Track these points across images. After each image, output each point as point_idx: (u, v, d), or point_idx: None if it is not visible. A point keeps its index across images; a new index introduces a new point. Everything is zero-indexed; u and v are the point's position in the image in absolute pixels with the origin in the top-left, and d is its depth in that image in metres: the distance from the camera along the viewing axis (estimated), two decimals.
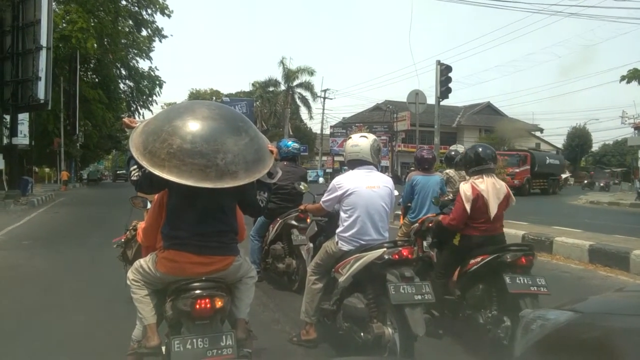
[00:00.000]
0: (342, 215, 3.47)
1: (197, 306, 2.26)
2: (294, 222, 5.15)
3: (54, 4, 24.30)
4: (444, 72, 12.31)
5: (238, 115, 2.56)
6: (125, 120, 2.63)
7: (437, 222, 4.23)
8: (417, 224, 5.21)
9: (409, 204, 5.80)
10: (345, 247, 3.41)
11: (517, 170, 24.19)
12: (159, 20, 50.87)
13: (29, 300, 4.91)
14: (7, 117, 18.34)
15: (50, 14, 16.81)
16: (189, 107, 2.49)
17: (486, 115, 54.81)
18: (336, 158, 52.54)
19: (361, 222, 3.38)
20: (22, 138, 22.55)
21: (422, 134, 46.64)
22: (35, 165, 35.45)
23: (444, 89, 12.34)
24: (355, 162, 3.56)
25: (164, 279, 2.43)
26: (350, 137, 3.70)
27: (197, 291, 2.28)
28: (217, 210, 2.42)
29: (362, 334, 3.20)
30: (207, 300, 2.27)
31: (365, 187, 3.43)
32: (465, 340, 3.75)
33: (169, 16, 34.67)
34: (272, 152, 2.50)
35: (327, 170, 49.51)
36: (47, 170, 38.41)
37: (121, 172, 51.91)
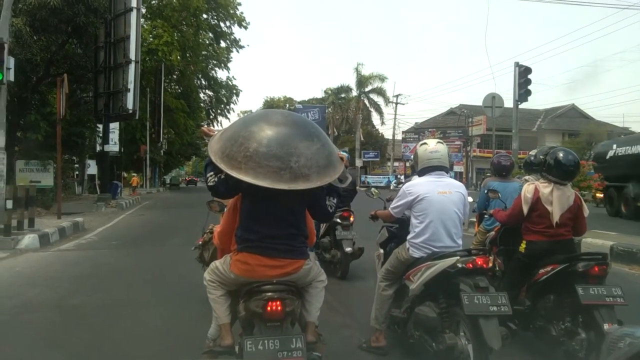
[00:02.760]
0: (414, 221, 3.41)
1: (269, 308, 2.33)
2: (338, 220, 6.10)
3: (142, 20, 26.18)
4: (523, 74, 11.72)
5: (310, 122, 2.66)
6: (204, 129, 2.77)
7: (503, 227, 4.14)
8: (493, 232, 5.11)
9: (484, 212, 5.52)
10: (417, 254, 3.35)
11: None
12: (236, 31, 53.12)
13: (116, 296, 5.30)
14: (100, 127, 19.87)
15: (139, 29, 18.05)
16: (263, 115, 2.64)
17: (570, 118, 51.66)
18: (408, 164, 51.75)
19: (433, 228, 3.31)
20: (113, 145, 24.39)
21: (499, 139, 44.84)
22: (124, 171, 38.07)
23: (523, 92, 11.73)
24: (431, 168, 3.49)
25: (237, 281, 2.51)
26: (426, 143, 3.64)
27: (269, 293, 2.36)
28: (288, 214, 2.49)
29: (433, 344, 3.12)
30: (278, 303, 2.34)
31: (437, 193, 3.37)
32: (538, 352, 3.62)
33: (245, 28, 36.07)
34: (342, 159, 2.58)
35: (399, 176, 48.90)
36: (134, 175, 41.09)
37: (191, 178, 64.73)
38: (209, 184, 2.54)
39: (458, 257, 3.09)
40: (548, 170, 3.68)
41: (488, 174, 6.22)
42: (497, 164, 5.67)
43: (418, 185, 3.44)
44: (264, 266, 2.42)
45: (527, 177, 5.75)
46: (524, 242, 3.71)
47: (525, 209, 3.63)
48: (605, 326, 3.02)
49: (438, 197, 3.36)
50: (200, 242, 4.48)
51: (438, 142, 3.62)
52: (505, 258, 4.15)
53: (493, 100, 12.28)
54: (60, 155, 13.42)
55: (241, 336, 2.48)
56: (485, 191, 5.37)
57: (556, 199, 3.55)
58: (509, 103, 13.50)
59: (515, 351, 3.57)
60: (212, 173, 2.51)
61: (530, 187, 3.70)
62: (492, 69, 57.98)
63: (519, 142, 12.87)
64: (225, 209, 2.84)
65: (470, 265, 3.07)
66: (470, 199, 5.82)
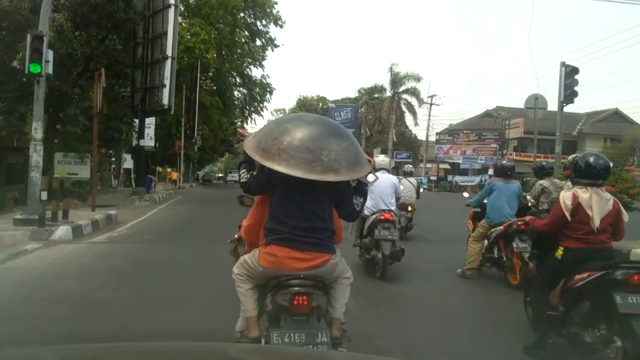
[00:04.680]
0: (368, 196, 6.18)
1: (295, 302, 2.42)
2: None
3: (180, 18, 26.46)
4: (570, 75, 11.08)
5: (339, 124, 2.88)
6: (239, 130, 3.22)
7: (536, 231, 4.28)
8: (501, 227, 6.03)
9: (478, 209, 6.63)
10: (367, 213, 6.25)
11: None
12: (272, 30, 53.27)
13: (144, 290, 5.24)
14: (136, 121, 20.18)
15: (176, 26, 18.23)
16: (297, 115, 3.03)
17: (613, 123, 49.71)
18: (441, 165, 50.84)
19: (376, 200, 6.30)
20: (149, 140, 24.77)
21: (537, 142, 43.58)
22: (159, 166, 38.76)
23: (569, 93, 11.09)
24: (380, 168, 6.31)
25: (265, 274, 2.57)
26: (378, 156, 7.16)
27: (296, 288, 2.44)
28: (317, 208, 2.57)
29: (366, 255, 6.44)
30: (304, 298, 2.43)
31: (380, 182, 5.84)
32: (571, 358, 3.62)
33: (281, 26, 36.17)
34: (369, 161, 2.70)
35: (432, 178, 48.07)
36: (169, 170, 41.76)
37: (220, 175, 68.14)
38: (241, 180, 2.67)
39: (377, 214, 6.12)
40: (579, 174, 3.71)
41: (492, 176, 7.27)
42: (500, 166, 6.58)
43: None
44: (291, 258, 2.49)
45: (541, 182, 6.48)
46: (561, 248, 3.70)
47: (567, 215, 3.60)
48: None
49: (379, 184, 5.95)
50: (237, 236, 4.43)
51: (384, 156, 6.73)
52: (538, 262, 4.33)
53: (536, 101, 11.70)
54: (97, 149, 13.63)
55: (267, 329, 2.54)
56: (490, 188, 6.36)
57: (595, 203, 3.56)
58: (551, 106, 12.99)
59: (549, 356, 3.72)
60: (244, 170, 2.66)
61: (568, 193, 3.69)
62: (536, 69, 56.36)
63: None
64: (254, 204, 2.92)
65: (382, 217, 6.16)
66: (465, 195, 9.12)
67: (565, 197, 3.65)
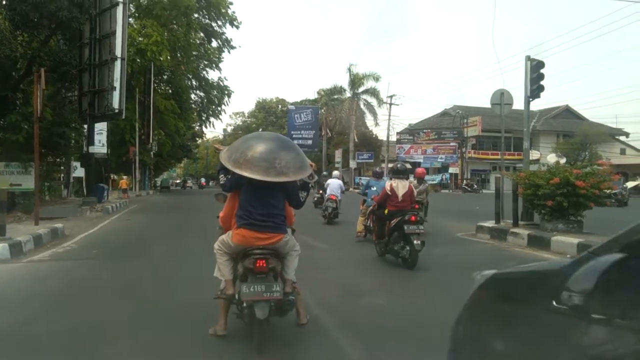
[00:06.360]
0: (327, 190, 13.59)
1: (257, 265, 3.50)
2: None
3: (131, 19, 25.27)
4: (536, 69, 10.98)
5: (289, 139, 4.08)
6: (216, 145, 4.18)
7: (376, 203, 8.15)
8: (371, 207, 8.90)
9: (366, 197, 10.32)
10: (326, 196, 13.67)
11: None
12: (228, 31, 52.11)
13: (86, 320, 4.48)
14: (86, 127, 18.97)
15: (125, 25, 17.18)
16: (257, 134, 4.24)
17: (564, 119, 51.54)
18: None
19: (330, 190, 13.44)
20: (100, 147, 23.46)
21: (493, 140, 44.51)
22: (114, 173, 37.06)
23: (535, 87, 10.96)
24: (334, 177, 14.71)
25: (236, 248, 3.68)
26: (335, 172, 17.64)
27: (257, 255, 3.54)
28: (272, 200, 3.68)
29: (323, 213, 13.77)
30: (263, 261, 3.52)
31: (333, 182, 13.86)
32: (390, 262, 7.40)
33: (237, 27, 35.40)
34: (311, 165, 3.83)
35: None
36: (124, 177, 40.07)
37: (177, 182, 69.29)
38: (220, 182, 3.86)
39: (328, 196, 13.45)
40: (393, 173, 7.73)
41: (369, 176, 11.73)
42: (375, 172, 11.04)
43: (330, 180, 14.23)
44: (254, 238, 3.59)
45: (411, 179, 9.20)
46: (387, 209, 7.34)
47: (387, 193, 7.39)
48: (415, 242, 6.66)
49: (333, 183, 13.75)
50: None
51: (338, 172, 18.69)
52: (377, 217, 7.76)
53: (502, 97, 11.54)
54: (39, 157, 12.57)
55: (239, 286, 3.60)
56: (367, 184, 10.53)
57: (400, 188, 7.36)
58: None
59: (379, 266, 7.41)
60: (222, 175, 3.81)
61: (388, 183, 7.56)
62: (499, 66, 57.36)
63: (513, 143, 12.12)
64: (227, 200, 4.00)
65: (331, 197, 13.25)
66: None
67: (387, 185, 7.53)
